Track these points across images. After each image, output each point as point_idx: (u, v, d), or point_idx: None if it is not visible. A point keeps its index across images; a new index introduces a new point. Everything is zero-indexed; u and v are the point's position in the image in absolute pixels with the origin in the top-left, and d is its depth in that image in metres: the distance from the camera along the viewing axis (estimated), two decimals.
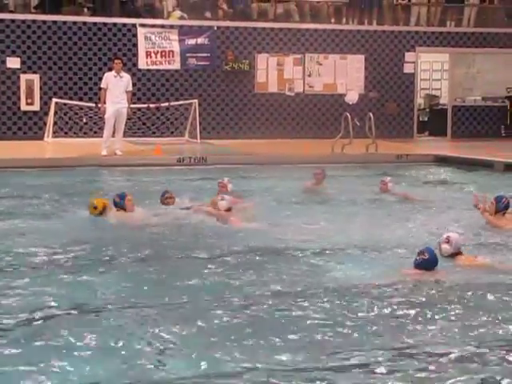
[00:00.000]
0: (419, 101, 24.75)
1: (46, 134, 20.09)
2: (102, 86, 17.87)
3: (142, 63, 21.23)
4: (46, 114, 20.17)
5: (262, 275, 7.41)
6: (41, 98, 20.54)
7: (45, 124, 20.18)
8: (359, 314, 6.20)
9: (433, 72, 27.12)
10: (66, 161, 16.16)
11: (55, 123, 20.09)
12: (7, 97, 20.44)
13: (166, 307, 6.38)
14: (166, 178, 14.51)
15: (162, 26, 21.50)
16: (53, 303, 6.39)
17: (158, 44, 21.29)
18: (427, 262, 7.18)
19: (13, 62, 20.32)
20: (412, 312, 6.27)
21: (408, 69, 23.18)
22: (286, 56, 22.39)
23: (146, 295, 6.72)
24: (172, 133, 21.27)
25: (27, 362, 5.11)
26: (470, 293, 6.81)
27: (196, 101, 21.14)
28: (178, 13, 21.86)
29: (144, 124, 20.98)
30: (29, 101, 20.47)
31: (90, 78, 20.78)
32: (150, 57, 21.27)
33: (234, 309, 6.32)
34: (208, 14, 22.13)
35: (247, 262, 7.96)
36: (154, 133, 21.04)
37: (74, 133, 20.25)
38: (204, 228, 9.61)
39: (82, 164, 15.95)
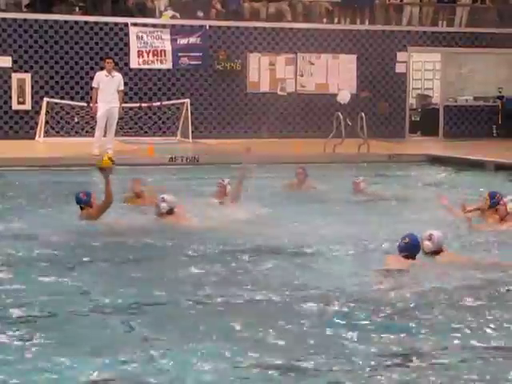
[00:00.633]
0: (411, 101, 24.77)
1: (37, 134, 20.04)
2: (93, 85, 17.83)
3: (134, 62, 21.19)
4: (38, 113, 20.12)
5: (238, 274, 7.43)
6: (32, 97, 20.49)
7: (36, 123, 20.13)
8: (342, 314, 6.22)
9: (425, 72, 27.15)
10: (57, 160, 16.11)
11: (47, 122, 20.05)
12: None
13: (148, 307, 6.37)
14: (158, 177, 14.49)
15: (154, 26, 21.47)
16: (40, 302, 6.39)
17: (150, 43, 21.25)
18: (408, 246, 7.44)
19: (4, 61, 20.25)
20: (394, 311, 6.31)
21: (400, 68, 23.20)
22: (278, 55, 22.38)
23: (129, 295, 6.70)
24: (164, 132, 21.24)
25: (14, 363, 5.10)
26: (450, 292, 6.84)
27: (188, 100, 21.12)
28: (169, 12, 21.82)
29: (136, 123, 20.95)
30: (20, 100, 20.41)
31: (82, 78, 20.73)
32: (142, 56, 21.24)
33: (216, 308, 6.32)
34: (200, 14, 22.10)
35: (225, 261, 7.99)
36: (145, 132, 21.01)
37: (66, 132, 20.21)
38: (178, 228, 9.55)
39: (73, 163, 15.91)
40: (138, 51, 21.20)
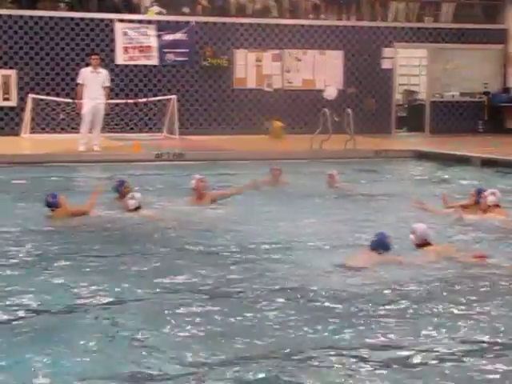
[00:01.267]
0: (397, 96, 24.78)
1: (22, 130, 19.96)
2: (78, 81, 17.76)
3: (120, 59, 21.14)
4: (23, 109, 20.04)
5: (218, 271, 7.42)
6: (18, 93, 20.40)
7: (22, 120, 20.04)
8: (319, 311, 6.22)
9: (411, 68, 27.18)
10: (43, 157, 16.05)
11: (32, 119, 19.97)
12: None
13: (133, 303, 6.37)
14: (144, 173, 14.47)
15: (140, 22, 21.41)
16: (26, 301, 6.36)
17: (136, 39, 21.20)
18: (375, 243, 7.56)
19: None
20: (368, 306, 6.32)
21: (386, 64, 23.22)
22: (265, 52, 22.36)
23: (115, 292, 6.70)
24: (150, 129, 21.19)
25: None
26: (421, 286, 6.86)
27: (174, 96, 21.06)
28: (155, 8, 21.77)
29: (122, 120, 20.89)
30: (5, 96, 20.33)
31: (67, 74, 20.65)
32: (128, 52, 21.18)
33: (202, 306, 6.33)
34: (186, 10, 22.05)
35: (199, 259, 7.98)
36: (132, 129, 20.96)
37: (52, 129, 20.14)
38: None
39: (59, 160, 15.86)
40: (124, 47, 21.14)
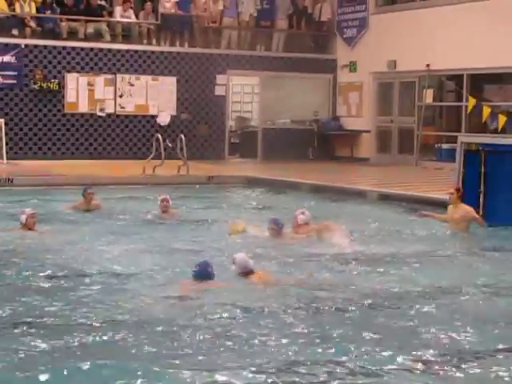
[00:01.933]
0: (230, 123, 25.06)
1: None
2: None
3: None
4: None
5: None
6: None
7: None
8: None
9: (244, 95, 27.59)
10: None
11: None
12: None
13: None
14: None
15: None
16: None
17: None
18: (196, 273, 7.58)
19: None
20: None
21: (219, 91, 23.42)
22: (97, 76, 22.08)
23: None
24: None
25: None
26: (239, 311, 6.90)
27: (2, 120, 20.44)
28: None
29: None
30: None
31: None
32: None
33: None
34: (15, 32, 21.47)
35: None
36: None
37: None
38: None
39: None
40: None
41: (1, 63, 20.88)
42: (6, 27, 21.45)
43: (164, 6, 23.03)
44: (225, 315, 6.73)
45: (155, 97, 22.64)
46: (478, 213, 11.50)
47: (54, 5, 22.14)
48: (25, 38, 21.49)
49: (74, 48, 21.82)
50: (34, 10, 21.84)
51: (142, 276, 8.24)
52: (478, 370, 5.58)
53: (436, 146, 22.56)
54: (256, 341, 6.08)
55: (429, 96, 22.48)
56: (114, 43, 22.45)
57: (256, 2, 24.24)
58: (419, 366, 5.57)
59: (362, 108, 24.24)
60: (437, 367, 5.56)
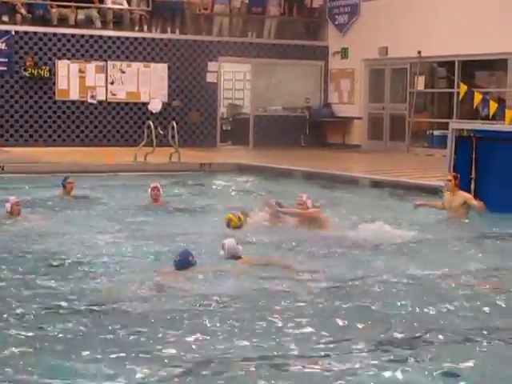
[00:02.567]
0: (222, 110, 25.03)
1: None
2: None
3: None
4: None
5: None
6: None
7: None
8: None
9: (235, 82, 27.54)
10: None
11: None
12: None
13: None
14: None
15: None
16: None
17: None
18: (177, 263, 7.54)
19: None
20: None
21: (211, 78, 23.38)
22: (88, 63, 22.01)
23: None
24: None
25: None
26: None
27: None
28: None
29: None
30: None
31: None
32: None
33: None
34: (5, 18, 21.37)
35: None
36: None
37: None
38: None
39: None
40: None
41: None
42: None
43: None
44: (205, 302, 6.69)
45: (147, 84, 22.59)
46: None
47: None
48: (15, 24, 21.40)
49: (64, 35, 21.73)
50: None
51: (124, 263, 8.18)
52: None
53: (427, 132, 22.59)
54: (234, 327, 6.08)
55: (420, 83, 22.48)
56: (105, 30, 22.36)
57: None
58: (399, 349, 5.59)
59: (354, 95, 24.23)
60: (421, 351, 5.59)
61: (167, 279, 7.40)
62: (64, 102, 21.79)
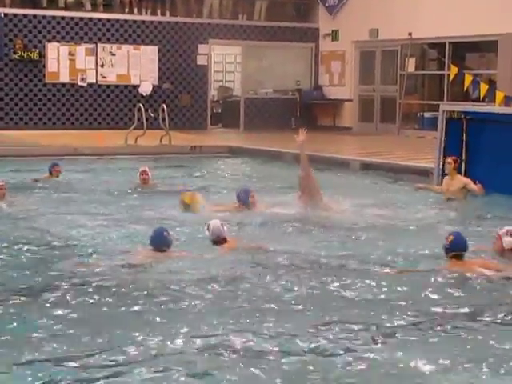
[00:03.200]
0: (213, 93, 24.99)
1: None
2: None
3: None
4: None
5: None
6: None
7: None
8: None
9: (226, 64, 27.47)
10: None
11: None
12: None
13: None
14: None
15: None
16: None
17: None
18: (151, 240, 7.47)
19: None
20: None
21: (201, 61, 23.32)
22: (78, 45, 21.92)
23: None
24: None
25: None
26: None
27: None
28: None
29: None
30: None
31: None
32: None
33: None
34: None
35: None
36: None
37: None
38: None
39: None
40: None
41: None
42: None
43: None
44: (181, 284, 6.69)
45: (137, 66, 22.52)
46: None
47: None
48: (4, 6, 21.30)
49: (54, 17, 21.63)
50: None
51: (106, 245, 8.20)
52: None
53: (418, 114, 22.59)
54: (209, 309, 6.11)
55: (411, 65, 22.47)
56: (94, 12, 22.27)
57: None
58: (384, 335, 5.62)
59: (345, 77, 24.21)
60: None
61: (140, 259, 7.38)
62: (54, 85, 21.72)
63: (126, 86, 22.44)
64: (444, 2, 20.66)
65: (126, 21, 22.47)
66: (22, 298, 6.32)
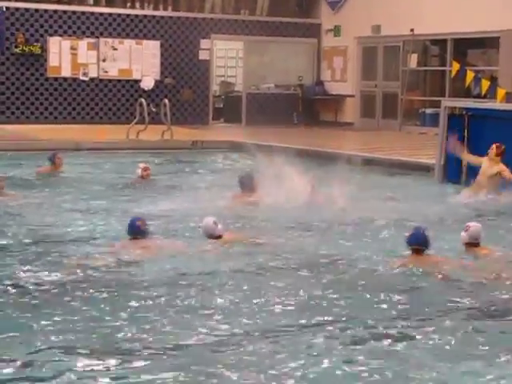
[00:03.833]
0: (215, 88, 24.97)
1: None
2: None
3: None
4: None
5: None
6: None
7: None
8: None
9: (228, 59, 27.45)
10: None
11: None
12: None
13: None
14: None
15: None
16: None
17: None
18: (127, 229, 7.55)
19: None
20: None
21: (203, 56, 23.31)
22: (80, 40, 21.91)
23: None
24: None
25: None
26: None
27: None
28: None
29: None
30: None
31: None
32: None
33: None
34: None
35: None
36: None
37: None
38: None
39: None
40: None
41: None
42: None
43: None
44: (161, 278, 6.72)
45: (139, 61, 22.52)
46: (463, 176, 11.47)
47: None
48: (6, 0, 21.28)
49: (56, 11, 21.63)
50: None
51: (96, 238, 8.23)
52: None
53: (420, 110, 22.58)
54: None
55: (413, 61, 22.44)
56: (97, 7, 22.27)
57: None
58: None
59: (347, 73, 24.20)
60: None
61: (122, 252, 7.41)
62: (56, 79, 21.73)
63: (127, 81, 22.44)
64: None
65: (128, 15, 22.47)
66: (18, 292, 6.33)
